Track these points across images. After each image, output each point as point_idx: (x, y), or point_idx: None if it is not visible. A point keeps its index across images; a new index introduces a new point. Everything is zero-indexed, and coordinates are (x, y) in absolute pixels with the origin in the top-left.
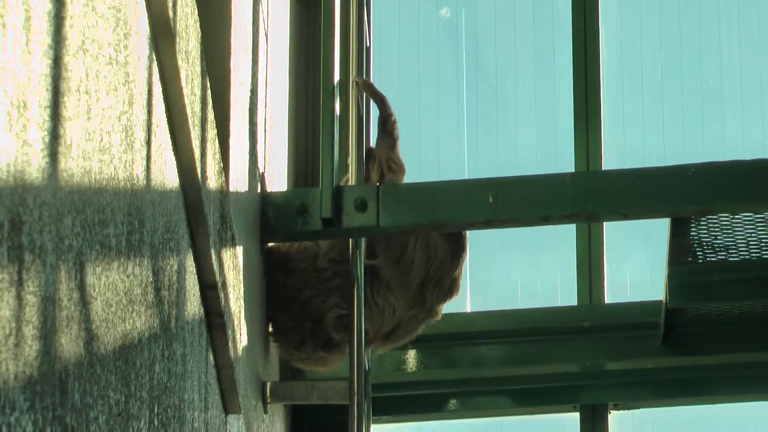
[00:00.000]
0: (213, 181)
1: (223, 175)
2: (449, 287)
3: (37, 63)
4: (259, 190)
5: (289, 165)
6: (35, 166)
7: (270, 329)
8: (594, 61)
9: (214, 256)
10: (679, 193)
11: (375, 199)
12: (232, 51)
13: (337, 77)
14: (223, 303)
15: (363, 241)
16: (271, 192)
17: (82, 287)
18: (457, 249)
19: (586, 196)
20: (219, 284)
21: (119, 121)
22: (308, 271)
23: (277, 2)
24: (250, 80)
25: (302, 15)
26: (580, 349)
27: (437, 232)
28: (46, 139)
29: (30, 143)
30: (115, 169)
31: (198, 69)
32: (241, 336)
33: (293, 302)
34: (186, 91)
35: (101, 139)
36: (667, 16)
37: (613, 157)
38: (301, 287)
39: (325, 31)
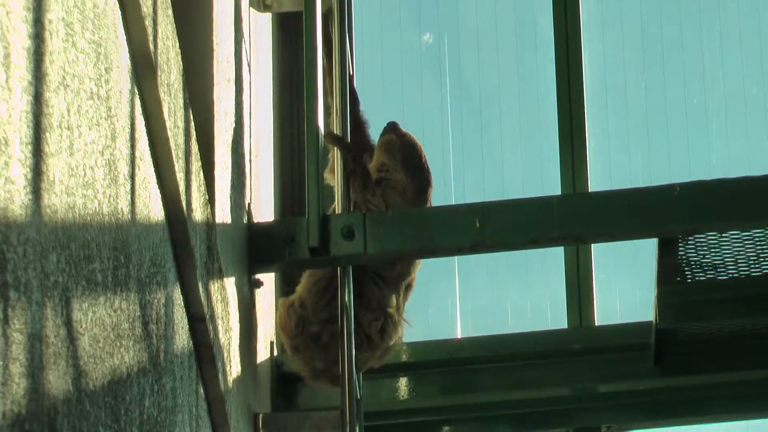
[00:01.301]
0: (199, 213)
1: (209, 207)
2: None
3: (17, 100)
4: (245, 221)
5: (275, 194)
6: (18, 203)
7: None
8: (577, 83)
9: (201, 289)
10: (666, 213)
11: (362, 226)
12: (214, 82)
13: (321, 106)
14: (212, 335)
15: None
16: (257, 222)
17: (68, 323)
18: (422, 185)
19: (573, 219)
20: (207, 316)
21: (102, 155)
22: (308, 345)
23: (260, 32)
24: (234, 111)
25: (285, 44)
26: (572, 372)
27: (401, 172)
28: (29, 176)
29: (12, 180)
30: (99, 203)
31: (181, 101)
32: (231, 368)
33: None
34: (169, 124)
35: (84, 174)
36: (649, 35)
37: (599, 178)
38: (314, 358)
39: (308, 59)
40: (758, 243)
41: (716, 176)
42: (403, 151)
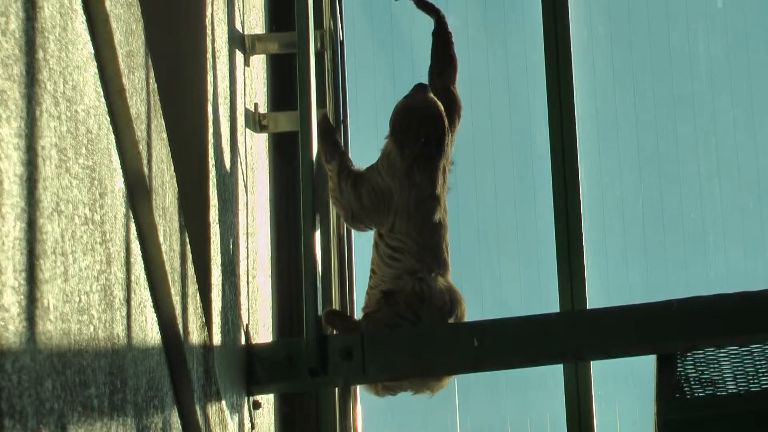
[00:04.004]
0: (196, 336)
1: (206, 329)
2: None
3: (10, 227)
4: (243, 342)
5: (273, 315)
6: (12, 331)
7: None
8: (574, 198)
9: (199, 412)
10: (664, 330)
11: (360, 347)
12: (210, 204)
13: (317, 225)
14: None
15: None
16: (255, 343)
17: None
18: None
19: (572, 336)
20: None
21: (97, 280)
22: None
23: (256, 153)
24: (231, 232)
25: (281, 164)
26: None
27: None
28: (23, 303)
29: (6, 308)
30: (94, 329)
31: (176, 224)
32: None
33: None
34: (164, 248)
35: (80, 300)
36: (645, 150)
37: (597, 294)
38: None
39: (304, 179)
40: (757, 358)
41: (714, 290)
42: (395, 113)
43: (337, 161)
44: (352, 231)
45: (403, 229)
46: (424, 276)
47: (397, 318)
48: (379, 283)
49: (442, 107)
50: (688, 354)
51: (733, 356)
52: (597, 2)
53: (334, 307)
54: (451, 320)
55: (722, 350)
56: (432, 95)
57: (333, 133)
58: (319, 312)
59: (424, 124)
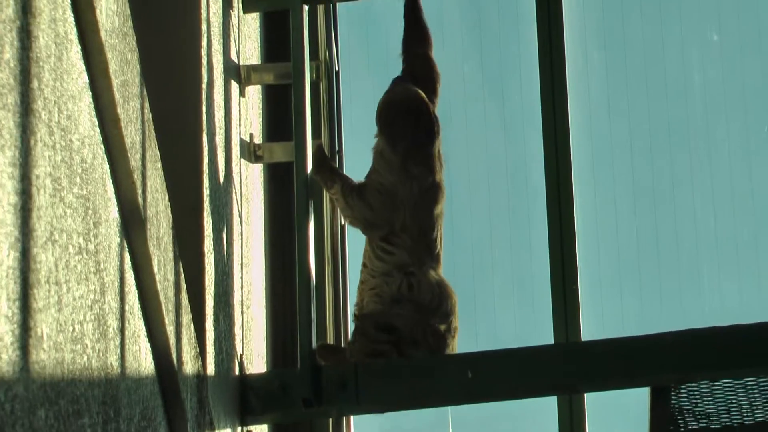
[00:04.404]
0: (189, 366)
1: (200, 359)
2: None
3: (4, 256)
4: (237, 372)
5: (267, 345)
6: (5, 360)
7: None
8: (569, 230)
9: None
10: (658, 362)
11: (354, 378)
12: (205, 234)
13: (312, 256)
14: None
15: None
16: (249, 373)
17: None
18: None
19: (566, 368)
20: None
21: (91, 310)
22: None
23: (251, 183)
24: (225, 262)
25: (276, 194)
26: None
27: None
28: (16, 332)
29: (0, 337)
30: (88, 358)
31: (170, 254)
32: None
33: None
34: (159, 277)
35: (73, 329)
36: (640, 181)
37: (591, 326)
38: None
39: (299, 210)
40: (751, 391)
41: (708, 323)
42: (379, 110)
43: (338, 183)
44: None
45: (407, 224)
46: (415, 270)
47: (372, 344)
48: (368, 278)
49: (423, 95)
50: (682, 386)
51: (727, 389)
52: (592, 32)
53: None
54: (438, 316)
55: (716, 383)
56: (411, 86)
57: (328, 161)
58: (314, 342)
59: (410, 115)
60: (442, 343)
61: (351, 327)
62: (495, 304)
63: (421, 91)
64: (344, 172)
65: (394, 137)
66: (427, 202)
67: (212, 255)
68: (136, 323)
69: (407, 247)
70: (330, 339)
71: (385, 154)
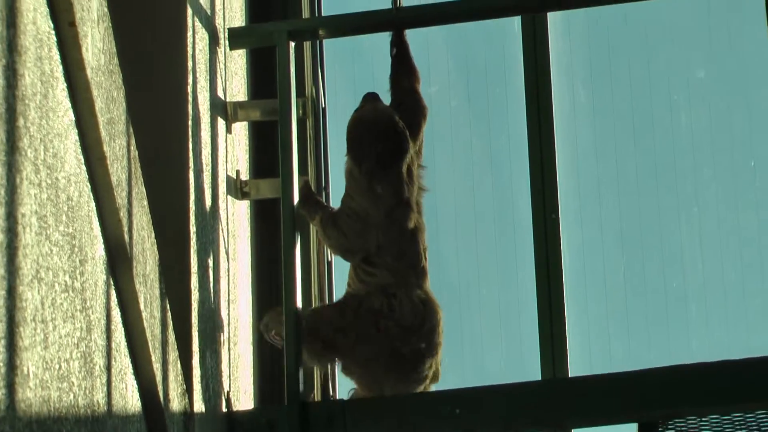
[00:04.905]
0: (176, 403)
1: (187, 397)
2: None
3: None
4: (224, 409)
5: (254, 381)
6: None
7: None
8: (556, 267)
9: None
10: (646, 398)
11: (341, 414)
12: (191, 271)
13: (299, 292)
14: None
15: None
16: (237, 410)
17: None
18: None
19: (553, 405)
20: None
21: (78, 347)
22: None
23: (237, 220)
24: (212, 299)
25: (263, 231)
26: None
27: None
28: (2, 370)
29: None
30: (74, 396)
31: (157, 291)
32: None
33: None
34: (145, 315)
35: (59, 367)
36: (627, 219)
37: (579, 363)
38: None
39: (286, 246)
40: (738, 427)
41: (696, 360)
42: (347, 128)
43: (319, 214)
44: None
45: (383, 244)
46: (397, 291)
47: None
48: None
49: (392, 112)
50: (670, 423)
51: (714, 425)
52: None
53: None
54: (420, 335)
55: (704, 419)
56: (381, 104)
57: (314, 196)
58: (301, 379)
59: (376, 133)
60: (419, 360)
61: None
62: (482, 341)
63: (390, 110)
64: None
65: (361, 156)
66: (396, 220)
67: (199, 292)
68: (123, 361)
69: (388, 267)
70: (317, 374)
71: (354, 174)
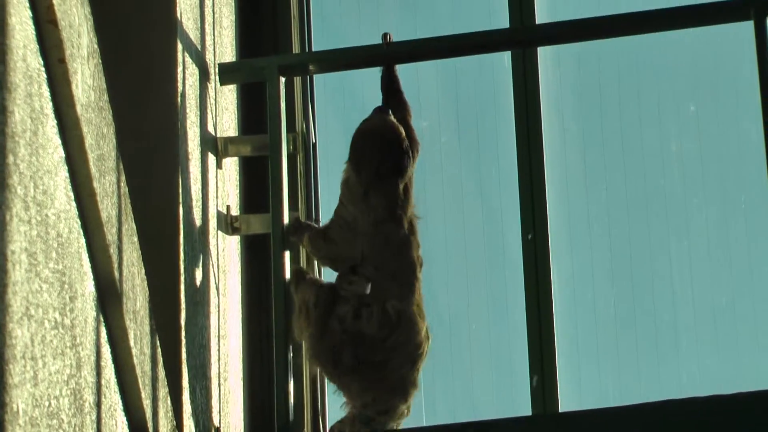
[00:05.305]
0: None
1: None
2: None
3: None
4: None
5: (245, 417)
6: None
7: None
8: (546, 300)
9: None
10: None
11: None
12: (181, 307)
13: (289, 328)
14: None
15: None
16: None
17: None
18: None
19: None
20: None
21: (67, 384)
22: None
23: (228, 255)
24: (202, 335)
25: (253, 265)
26: None
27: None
28: None
29: None
30: None
31: (147, 328)
32: None
33: None
34: (135, 351)
35: (49, 405)
36: (618, 251)
37: (569, 397)
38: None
39: (276, 282)
40: None
41: (686, 392)
42: (353, 136)
43: (308, 232)
44: None
45: (367, 254)
46: (372, 302)
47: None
48: None
49: (400, 127)
50: None
51: None
52: (569, 103)
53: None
54: (380, 348)
55: None
56: (391, 117)
57: (303, 222)
58: (291, 414)
59: (381, 145)
60: (378, 372)
61: (328, 400)
62: (473, 376)
63: (398, 125)
64: None
65: (362, 165)
66: (382, 232)
67: (189, 327)
68: (113, 397)
69: (369, 277)
70: (307, 411)
71: (351, 182)
